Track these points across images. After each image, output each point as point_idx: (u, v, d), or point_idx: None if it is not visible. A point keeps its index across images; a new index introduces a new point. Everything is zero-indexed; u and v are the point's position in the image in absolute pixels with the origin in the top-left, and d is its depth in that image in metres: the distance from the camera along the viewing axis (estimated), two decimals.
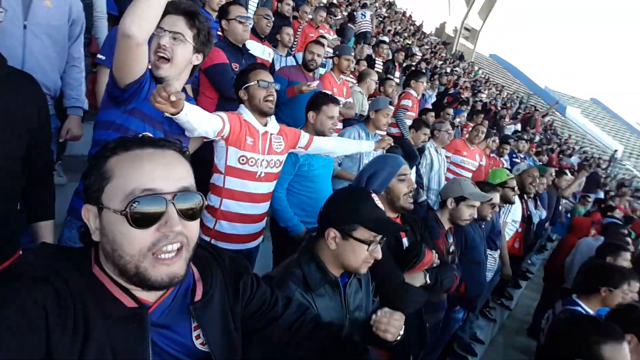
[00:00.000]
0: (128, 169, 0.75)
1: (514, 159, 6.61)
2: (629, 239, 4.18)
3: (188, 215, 0.78)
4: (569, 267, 4.20)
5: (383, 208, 1.85)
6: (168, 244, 0.75)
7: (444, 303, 2.39)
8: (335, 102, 2.60)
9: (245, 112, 2.07)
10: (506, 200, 3.41)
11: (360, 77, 4.90)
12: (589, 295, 2.46)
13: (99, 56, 2.32)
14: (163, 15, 1.42)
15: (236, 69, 2.84)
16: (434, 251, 1.90)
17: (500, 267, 3.78)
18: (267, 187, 2.16)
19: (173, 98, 1.38)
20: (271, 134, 2.12)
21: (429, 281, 1.82)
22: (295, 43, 5.89)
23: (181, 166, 0.81)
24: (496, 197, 2.85)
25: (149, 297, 0.80)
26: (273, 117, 2.15)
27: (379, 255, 1.37)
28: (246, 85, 2.06)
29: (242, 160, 2.02)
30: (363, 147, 2.63)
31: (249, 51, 3.12)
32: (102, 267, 0.78)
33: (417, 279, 1.80)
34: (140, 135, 0.85)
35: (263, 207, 2.19)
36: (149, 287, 0.76)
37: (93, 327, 0.70)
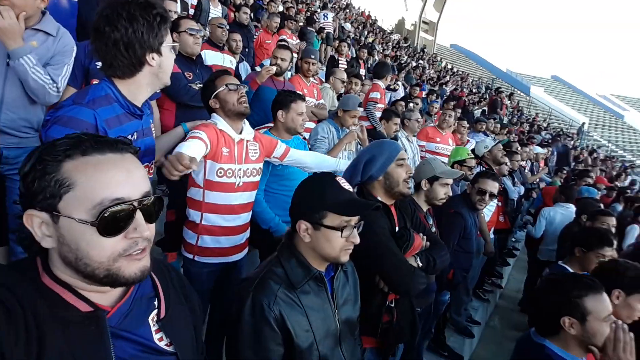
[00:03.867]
0: (92, 178, 0.72)
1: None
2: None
3: (151, 217, 0.79)
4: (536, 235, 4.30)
5: (378, 196, 1.84)
6: (138, 249, 0.76)
7: (433, 285, 2.37)
8: (302, 98, 2.57)
9: (220, 121, 1.99)
10: (465, 178, 3.39)
11: (327, 76, 4.99)
12: (570, 259, 2.51)
13: None
14: (168, 25, 1.40)
15: (190, 78, 2.84)
16: (421, 234, 1.87)
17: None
18: (247, 197, 2.10)
19: (194, 167, 1.32)
20: (247, 141, 2.07)
21: (420, 264, 1.79)
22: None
23: (140, 169, 0.79)
24: (494, 186, 2.82)
25: (105, 301, 0.79)
26: (247, 122, 2.11)
27: (357, 240, 1.31)
28: (215, 92, 1.99)
29: (220, 172, 1.96)
30: (341, 165, 2.53)
31: (204, 62, 3.12)
32: (53, 274, 0.75)
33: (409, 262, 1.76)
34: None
35: (245, 218, 2.14)
36: (121, 284, 0.76)
37: (48, 335, 0.68)
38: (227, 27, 3.90)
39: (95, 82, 2.33)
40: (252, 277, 1.30)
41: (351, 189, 1.36)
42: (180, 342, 0.89)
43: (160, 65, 1.41)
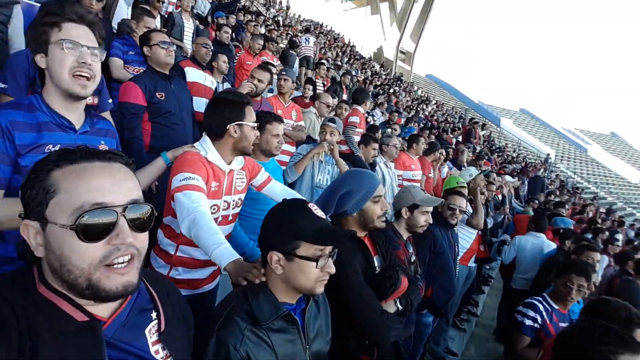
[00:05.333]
0: (76, 183, 0.73)
1: (461, 169, 6.88)
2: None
3: (139, 226, 0.78)
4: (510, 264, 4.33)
5: (354, 228, 1.74)
6: (120, 256, 0.75)
7: (412, 316, 2.28)
8: (279, 120, 2.46)
9: (211, 151, 1.80)
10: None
11: (313, 100, 4.92)
12: (553, 291, 2.54)
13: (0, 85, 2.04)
14: (63, 21, 1.31)
15: (162, 99, 2.60)
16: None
17: (468, 276, 3.81)
18: (226, 230, 1.92)
19: (263, 278, 1.26)
20: (235, 172, 1.92)
21: (400, 307, 1.70)
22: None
23: (129, 178, 0.80)
24: (462, 202, 2.92)
25: (102, 311, 0.79)
26: None
27: (332, 270, 1.22)
28: (241, 122, 1.79)
29: None
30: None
31: (177, 78, 2.86)
32: (49, 284, 0.75)
33: (389, 306, 1.67)
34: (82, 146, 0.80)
35: None
36: (103, 298, 0.74)
37: (41, 344, 0.68)
38: (212, 48, 3.86)
39: None
40: (218, 313, 1.17)
41: (324, 216, 1.27)
42: (180, 355, 0.90)
43: (48, 65, 1.36)
